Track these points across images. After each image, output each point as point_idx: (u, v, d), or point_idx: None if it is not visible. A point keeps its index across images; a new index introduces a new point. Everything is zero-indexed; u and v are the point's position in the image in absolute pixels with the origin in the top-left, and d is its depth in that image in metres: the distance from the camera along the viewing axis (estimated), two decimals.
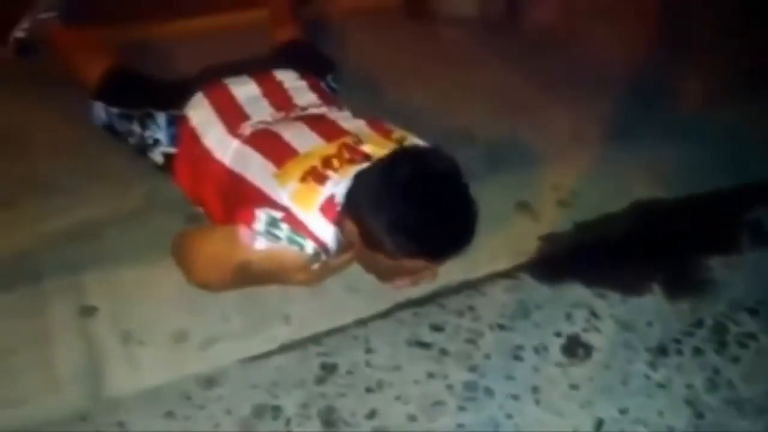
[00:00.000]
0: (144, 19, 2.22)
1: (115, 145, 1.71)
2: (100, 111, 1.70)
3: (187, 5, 2.29)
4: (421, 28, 2.53)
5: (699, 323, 1.47)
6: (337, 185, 1.28)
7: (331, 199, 1.28)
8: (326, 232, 1.28)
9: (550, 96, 2.20)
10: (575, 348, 1.41)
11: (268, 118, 1.51)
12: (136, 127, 1.63)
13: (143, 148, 1.64)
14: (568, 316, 1.47)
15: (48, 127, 1.83)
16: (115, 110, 1.67)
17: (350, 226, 1.25)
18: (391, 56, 2.33)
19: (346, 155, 1.33)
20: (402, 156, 1.28)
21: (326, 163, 1.32)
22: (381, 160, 1.28)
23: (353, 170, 1.29)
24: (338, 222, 1.28)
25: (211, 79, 1.63)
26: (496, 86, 2.26)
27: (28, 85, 1.95)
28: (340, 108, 1.59)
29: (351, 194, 1.26)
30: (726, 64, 2.39)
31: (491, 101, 2.17)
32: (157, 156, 1.63)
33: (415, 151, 1.33)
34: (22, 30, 1.98)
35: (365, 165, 1.30)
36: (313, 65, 1.79)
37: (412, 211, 1.18)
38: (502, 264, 1.57)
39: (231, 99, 1.56)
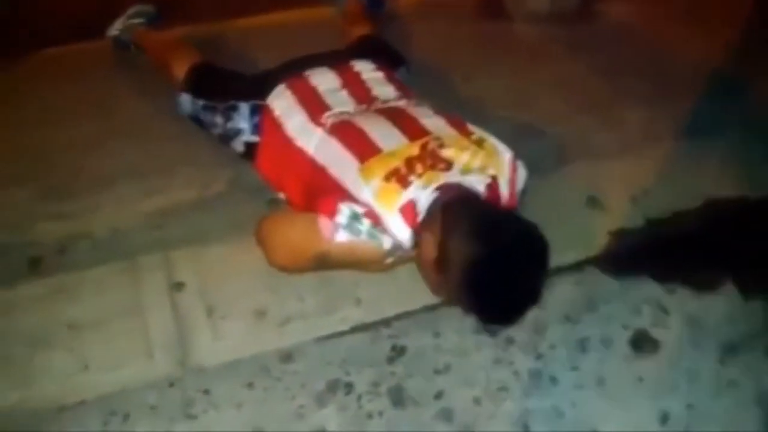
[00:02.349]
0: (218, 18, 2.33)
1: (202, 133, 1.81)
2: (186, 103, 1.81)
3: (257, 3, 2.37)
4: (493, 24, 2.55)
5: None
6: (419, 191, 1.33)
7: (411, 204, 1.32)
8: (403, 232, 1.33)
9: (623, 92, 2.18)
10: (642, 342, 1.42)
11: (350, 110, 1.57)
12: (219, 119, 1.72)
13: (226, 138, 1.73)
14: (637, 311, 1.48)
15: (142, 116, 1.96)
16: (200, 102, 1.77)
17: (429, 243, 1.28)
18: (462, 50, 2.35)
19: (429, 161, 1.38)
20: (510, 220, 1.30)
21: (410, 166, 1.36)
22: (489, 212, 1.32)
23: (435, 178, 1.34)
24: (417, 229, 1.32)
25: (292, 71, 1.70)
26: (568, 81, 2.25)
27: (126, 78, 2.09)
28: (418, 102, 1.63)
29: (444, 220, 1.28)
30: None
31: (562, 96, 2.16)
32: (239, 145, 1.71)
33: (522, 226, 1.29)
34: (116, 29, 2.16)
35: (448, 173, 1.35)
36: (386, 58, 1.84)
37: (492, 284, 1.21)
38: (571, 257, 1.59)
39: (312, 90, 1.63)
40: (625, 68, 2.29)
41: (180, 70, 1.87)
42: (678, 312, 1.48)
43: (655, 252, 1.61)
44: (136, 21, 2.14)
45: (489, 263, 1.22)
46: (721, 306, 1.50)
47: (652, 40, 2.45)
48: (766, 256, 1.60)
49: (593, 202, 1.74)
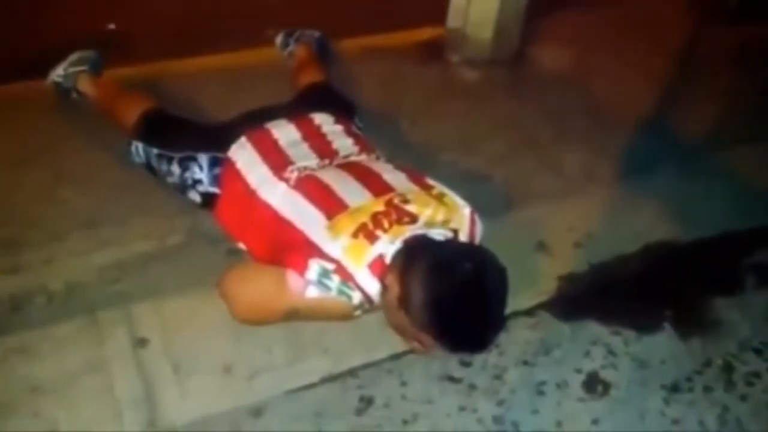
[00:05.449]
0: (162, 58, 2.29)
1: (155, 181, 1.80)
2: (139, 150, 1.78)
3: (201, 43, 2.35)
4: (435, 67, 2.62)
5: (708, 362, 1.58)
6: (387, 246, 1.38)
7: (379, 258, 1.37)
8: (372, 287, 1.37)
9: (562, 132, 2.31)
10: (594, 384, 1.51)
11: (313, 164, 1.60)
12: (175, 168, 1.70)
13: (182, 188, 1.72)
14: (587, 353, 1.58)
15: (93, 163, 1.92)
16: (154, 150, 1.75)
17: (392, 283, 1.34)
18: (407, 94, 2.42)
19: (394, 215, 1.43)
20: (468, 253, 1.38)
21: (376, 221, 1.41)
22: (448, 245, 1.41)
23: (401, 231, 1.39)
24: (383, 276, 1.37)
25: (251, 123, 1.71)
26: (509, 123, 2.35)
27: (72, 122, 2.04)
28: (377, 155, 1.69)
29: (406, 258, 1.34)
30: (743, 103, 2.53)
31: (505, 138, 2.26)
32: (195, 195, 1.70)
33: (479, 253, 1.39)
34: (57, 76, 2.07)
35: (413, 226, 1.41)
36: (341, 107, 1.87)
37: (456, 309, 1.28)
38: (524, 302, 1.67)
39: (274, 143, 1.65)
40: (563, 109, 2.42)
41: (131, 116, 1.84)
42: (624, 353, 1.58)
43: (599, 296, 1.71)
44: (79, 68, 2.06)
45: (452, 290, 1.28)
46: (662, 346, 1.61)
47: (588, 82, 2.58)
48: (699, 297, 1.74)
49: (541, 246, 1.84)
